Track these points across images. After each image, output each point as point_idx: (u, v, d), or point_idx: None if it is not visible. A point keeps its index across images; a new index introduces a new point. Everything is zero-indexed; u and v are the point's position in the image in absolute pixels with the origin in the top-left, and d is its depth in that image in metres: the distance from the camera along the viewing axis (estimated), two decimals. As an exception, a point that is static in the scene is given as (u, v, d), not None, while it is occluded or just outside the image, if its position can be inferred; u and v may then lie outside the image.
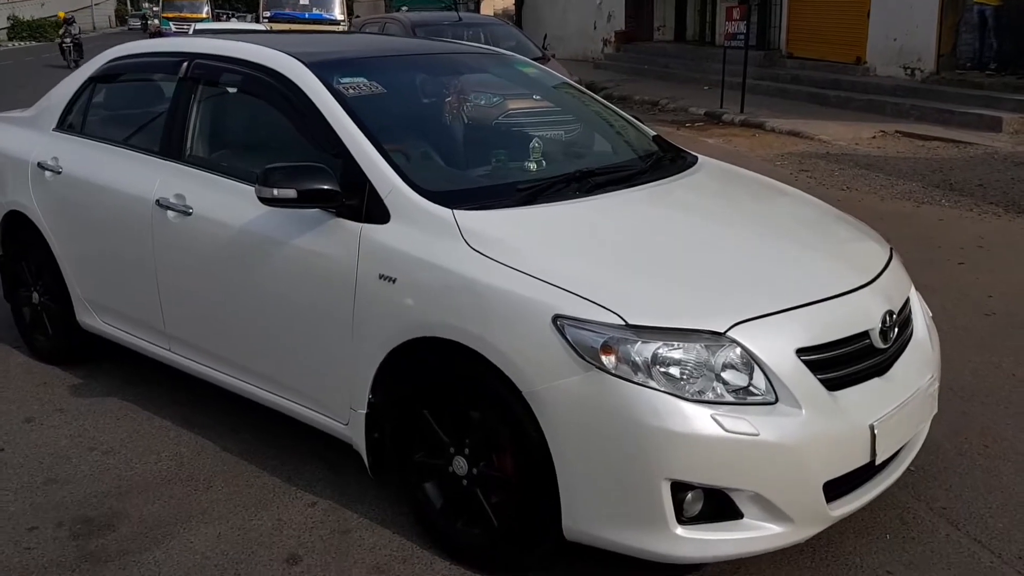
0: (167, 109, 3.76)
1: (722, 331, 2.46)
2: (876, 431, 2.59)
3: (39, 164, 4.19)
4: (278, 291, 3.19)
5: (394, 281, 2.83)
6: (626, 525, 2.47)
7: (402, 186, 2.93)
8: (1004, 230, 7.09)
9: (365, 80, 3.43)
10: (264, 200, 2.96)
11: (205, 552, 2.96)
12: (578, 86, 4.31)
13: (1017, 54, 12.42)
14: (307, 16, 22.92)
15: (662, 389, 2.39)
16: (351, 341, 2.98)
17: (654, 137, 3.95)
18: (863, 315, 2.73)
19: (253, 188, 3.15)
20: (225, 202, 3.38)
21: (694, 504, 2.44)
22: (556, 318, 2.48)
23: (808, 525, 2.52)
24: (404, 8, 23.39)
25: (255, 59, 3.52)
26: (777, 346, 2.49)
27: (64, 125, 4.26)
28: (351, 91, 3.31)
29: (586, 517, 2.52)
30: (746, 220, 3.29)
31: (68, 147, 4.14)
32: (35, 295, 4.47)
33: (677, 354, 2.42)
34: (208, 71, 3.67)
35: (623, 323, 2.43)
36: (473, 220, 2.81)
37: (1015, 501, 3.16)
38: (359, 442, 3.08)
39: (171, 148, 3.68)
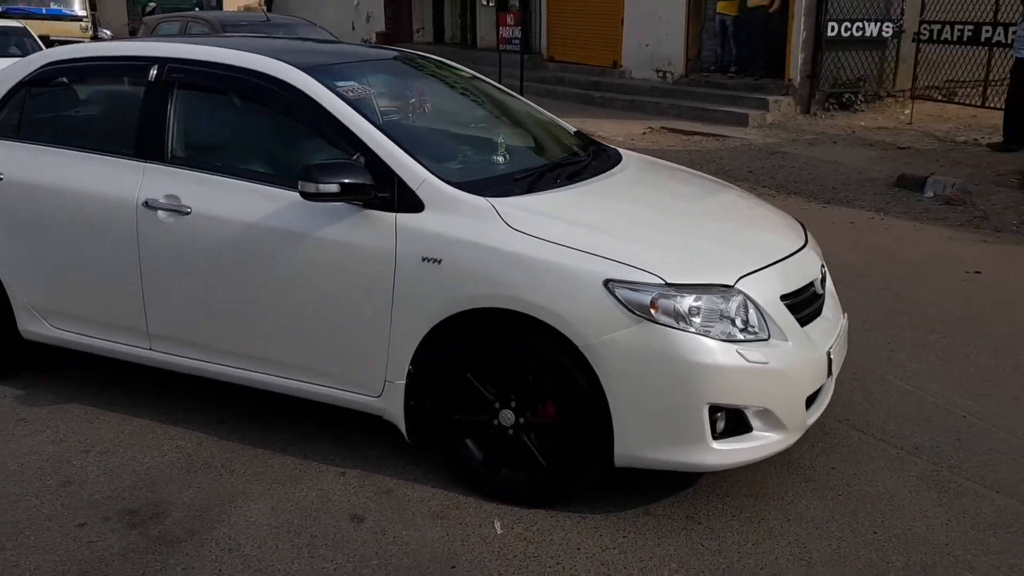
0: (139, 112, 3.81)
1: (731, 284, 3.12)
2: (831, 356, 3.37)
3: (-35, 171, 4.03)
4: (304, 280, 3.44)
5: (439, 262, 3.21)
6: (671, 445, 3.06)
7: (432, 179, 3.32)
8: (780, 207, 8.41)
9: (356, 84, 3.74)
10: (307, 195, 3.23)
11: (269, 522, 3.19)
12: (499, 85, 4.79)
13: (753, 58, 14.32)
14: (44, 12, 21.25)
15: (698, 332, 3.00)
16: (389, 319, 3.32)
17: (575, 132, 4.55)
18: (809, 268, 3.52)
19: (261, 187, 3.42)
20: (231, 200, 3.55)
21: (721, 422, 3.08)
22: (607, 282, 3.02)
23: (795, 432, 3.24)
24: (151, 6, 22.38)
25: (244, 64, 3.69)
26: (767, 293, 3.19)
27: (-12, 131, 4.12)
28: (350, 94, 3.62)
29: (636, 444, 3.07)
30: (700, 200, 3.99)
31: (4, 153, 4.03)
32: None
33: (702, 303, 3.05)
34: (187, 75, 3.78)
35: (663, 282, 3.02)
36: (507, 206, 3.27)
37: (897, 410, 4.10)
38: (394, 411, 3.42)
39: (149, 150, 3.75)
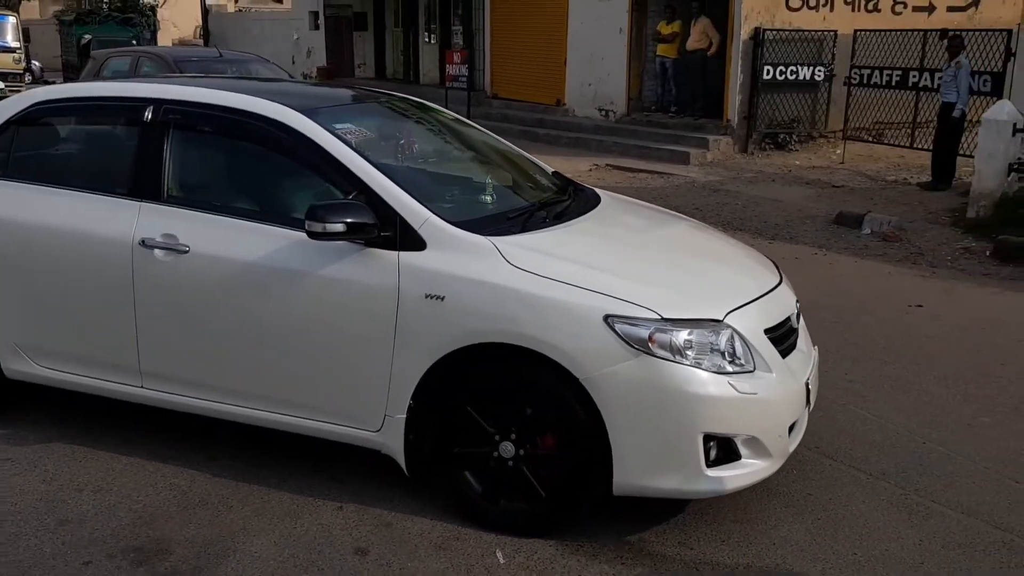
0: (134, 152, 3.86)
1: (720, 318, 3.30)
2: (809, 386, 3.58)
3: (-57, 210, 4.02)
4: (304, 317, 3.52)
5: (443, 299, 3.33)
6: (668, 473, 3.21)
7: (434, 218, 3.45)
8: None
9: (352, 126, 3.86)
10: (313, 234, 3.33)
11: (274, 556, 3.24)
12: (480, 128, 4.95)
13: (692, 99, 14.83)
14: None
15: (692, 364, 3.18)
16: (391, 355, 3.42)
17: (553, 172, 4.73)
18: (786, 304, 3.73)
19: (261, 226, 3.52)
20: (230, 239, 3.62)
21: (713, 451, 3.24)
22: (607, 317, 3.17)
23: (779, 459, 3.42)
24: (87, 39, 22.13)
25: (242, 106, 3.78)
26: (752, 327, 3.38)
27: (-32, 169, 4.11)
28: (349, 136, 3.74)
29: (635, 472, 3.22)
30: (682, 239, 4.20)
31: (-14, 191, 4.03)
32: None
33: (694, 337, 3.22)
34: (184, 116, 3.85)
35: (660, 317, 3.19)
36: (507, 244, 3.41)
37: (862, 437, 4.33)
38: (393, 445, 3.51)
39: (144, 190, 3.80)
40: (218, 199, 3.84)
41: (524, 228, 3.67)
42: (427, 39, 22.38)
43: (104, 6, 29.12)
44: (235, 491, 3.69)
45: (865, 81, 12.73)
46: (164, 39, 31.58)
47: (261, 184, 3.91)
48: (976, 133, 10.83)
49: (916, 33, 12.19)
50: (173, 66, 10.04)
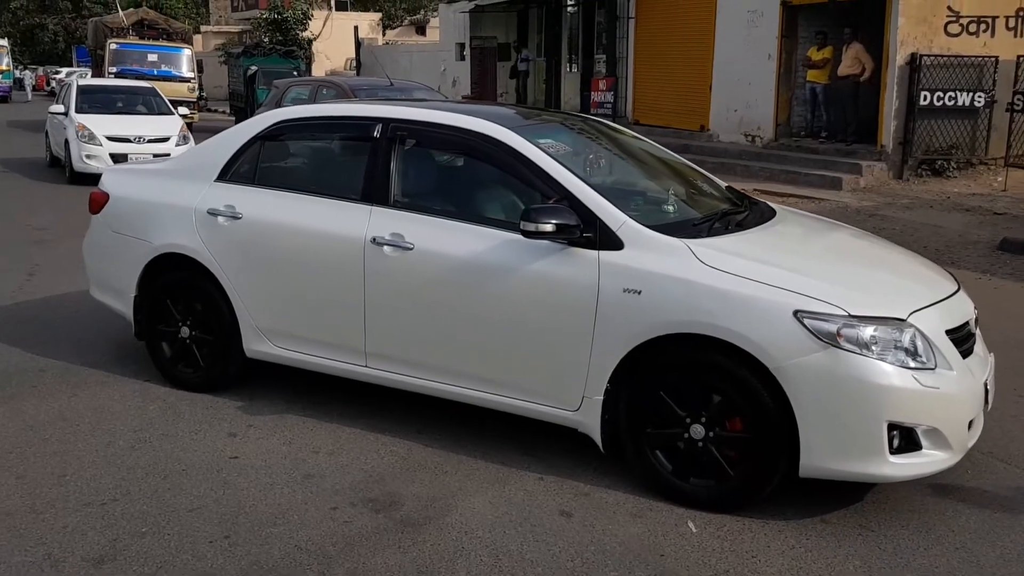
0: (366, 163, 4.44)
1: (904, 318, 3.56)
2: (987, 387, 3.77)
3: (209, 211, 4.70)
4: (512, 307, 3.97)
5: (639, 293, 3.72)
6: (853, 458, 3.48)
7: (631, 222, 3.85)
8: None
9: (552, 141, 4.33)
10: (527, 233, 3.79)
11: (490, 513, 3.68)
12: (659, 145, 5.34)
13: (843, 125, 14.77)
14: (155, 72, 22.80)
15: (878, 358, 3.44)
16: (591, 342, 3.82)
17: (727, 187, 5.06)
18: (965, 309, 3.94)
19: (475, 227, 4.01)
20: (449, 238, 4.13)
21: (896, 439, 3.49)
22: (796, 312, 3.48)
23: (959, 452, 3.63)
24: (253, 70, 23.75)
25: (459, 124, 4.33)
26: (934, 328, 3.62)
27: (228, 177, 4.80)
28: (551, 149, 4.20)
29: (821, 456, 3.50)
30: (860, 247, 4.47)
31: (242, 196, 4.69)
32: (184, 331, 4.90)
33: (879, 333, 3.49)
34: (409, 133, 4.41)
35: (847, 314, 3.47)
36: (698, 246, 3.78)
37: (1032, 445, 4.44)
38: (590, 423, 3.90)
39: (375, 195, 4.36)
40: (437, 204, 4.36)
41: (711, 233, 4.02)
42: (569, 68, 23.02)
43: (265, 39, 31.17)
44: (446, 459, 4.17)
45: (1030, 107, 12.43)
46: (318, 70, 33.54)
47: (475, 191, 4.42)
48: None
49: (1086, 57, 11.84)
50: (350, 93, 10.87)
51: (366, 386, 4.61)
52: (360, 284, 4.32)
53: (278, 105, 12.45)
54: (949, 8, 13.46)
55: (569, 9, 22.93)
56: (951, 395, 3.54)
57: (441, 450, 4.26)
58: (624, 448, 3.90)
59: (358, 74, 30.77)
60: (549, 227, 3.77)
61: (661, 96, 18.76)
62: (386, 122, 4.46)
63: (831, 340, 3.44)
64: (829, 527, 3.63)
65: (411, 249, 4.20)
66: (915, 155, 13.64)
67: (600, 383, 3.84)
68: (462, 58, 26.91)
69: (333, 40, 36.73)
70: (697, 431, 3.71)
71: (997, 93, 13.34)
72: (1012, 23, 13.69)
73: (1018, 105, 12.60)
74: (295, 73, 23.79)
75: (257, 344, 4.71)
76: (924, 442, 3.53)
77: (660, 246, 3.80)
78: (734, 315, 3.56)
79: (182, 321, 4.92)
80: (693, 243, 3.80)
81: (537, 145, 4.15)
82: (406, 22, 41.47)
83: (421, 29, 41.67)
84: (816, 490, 3.76)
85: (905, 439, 3.51)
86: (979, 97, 13.41)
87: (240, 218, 4.65)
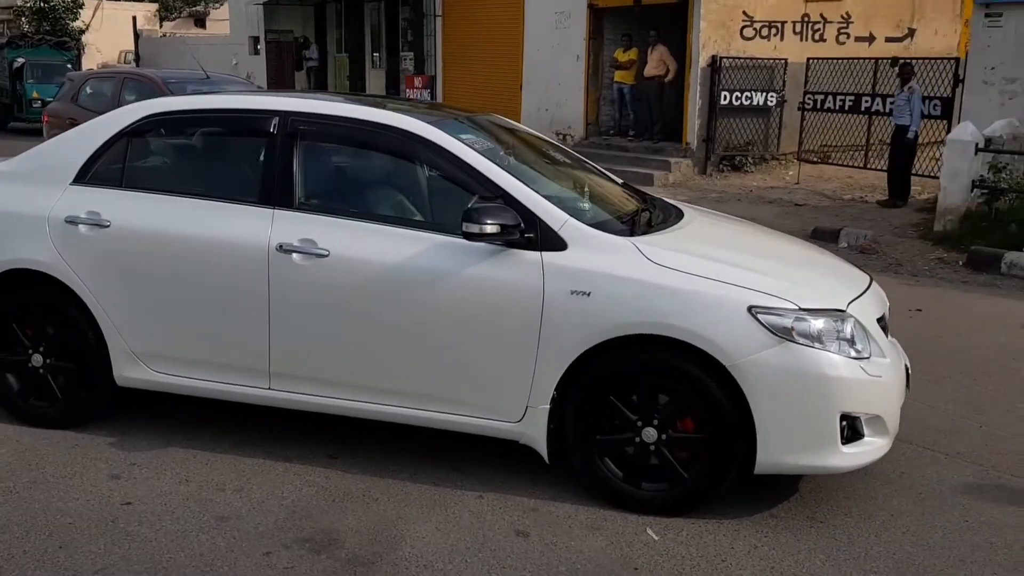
0: (263, 161, 3.97)
1: (844, 308, 3.61)
2: (909, 370, 3.92)
3: (68, 219, 4.05)
4: (447, 315, 3.68)
5: (589, 295, 3.55)
6: (808, 451, 3.49)
7: (573, 221, 3.67)
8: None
9: (473, 137, 4.06)
10: (470, 235, 3.51)
11: (442, 541, 3.38)
12: (555, 143, 5.18)
13: (650, 124, 15.37)
14: None
15: (828, 350, 3.47)
16: (536, 349, 3.61)
17: (623, 183, 5.00)
18: (883, 298, 4.08)
19: (401, 230, 3.71)
20: (371, 243, 3.76)
21: (845, 430, 3.53)
22: (751, 308, 3.44)
23: (892, 437, 3.73)
24: (20, 60, 21.55)
25: (373, 119, 3.94)
26: (868, 317, 3.71)
27: (88, 179, 4.15)
28: (476, 146, 3.93)
29: (777, 451, 3.48)
30: (776, 243, 4.52)
31: (109, 200, 4.07)
32: (36, 359, 4.20)
33: (826, 325, 3.52)
34: (315, 127, 3.98)
35: (797, 307, 3.47)
36: (645, 244, 3.66)
37: (926, 424, 4.68)
38: (534, 434, 3.69)
39: (276, 198, 3.90)
40: (351, 206, 3.97)
41: (647, 231, 3.92)
42: (374, 65, 22.55)
43: (28, 29, 28.36)
44: (372, 485, 3.81)
45: (819, 106, 13.45)
46: (89, 63, 30.87)
47: (392, 191, 4.07)
48: (927, 153, 11.64)
49: (867, 61, 12.97)
50: (164, 88, 9.96)
51: (257, 410, 4.15)
52: (264, 297, 3.85)
53: (74, 100, 11.24)
54: (744, 13, 14.32)
55: (370, 4, 22.43)
56: (889, 382, 3.64)
57: (363, 475, 3.90)
58: (571, 457, 3.73)
59: (137, 67, 28.62)
60: (495, 228, 3.52)
61: (471, 95, 18.70)
62: (284, 115, 4.00)
63: (785, 335, 3.43)
64: (781, 522, 3.63)
65: (326, 256, 3.79)
66: (717, 151, 14.41)
67: (546, 391, 3.64)
68: (256, 52, 25.68)
69: (104, 32, 33.96)
70: (649, 434, 3.59)
71: (787, 93, 14.36)
72: (798, 28, 14.80)
73: (808, 104, 13.61)
74: (69, 66, 21.75)
75: (130, 371, 4.11)
76: (866, 430, 3.60)
77: (605, 245, 3.65)
78: (689, 314, 3.48)
79: (33, 348, 4.21)
80: (639, 241, 3.68)
81: (461, 140, 3.87)
82: (184, 13, 39.08)
83: (200, 21, 39.44)
84: (755, 486, 3.75)
85: (851, 428, 3.56)
86: (771, 96, 14.37)
87: (107, 226, 4.03)
